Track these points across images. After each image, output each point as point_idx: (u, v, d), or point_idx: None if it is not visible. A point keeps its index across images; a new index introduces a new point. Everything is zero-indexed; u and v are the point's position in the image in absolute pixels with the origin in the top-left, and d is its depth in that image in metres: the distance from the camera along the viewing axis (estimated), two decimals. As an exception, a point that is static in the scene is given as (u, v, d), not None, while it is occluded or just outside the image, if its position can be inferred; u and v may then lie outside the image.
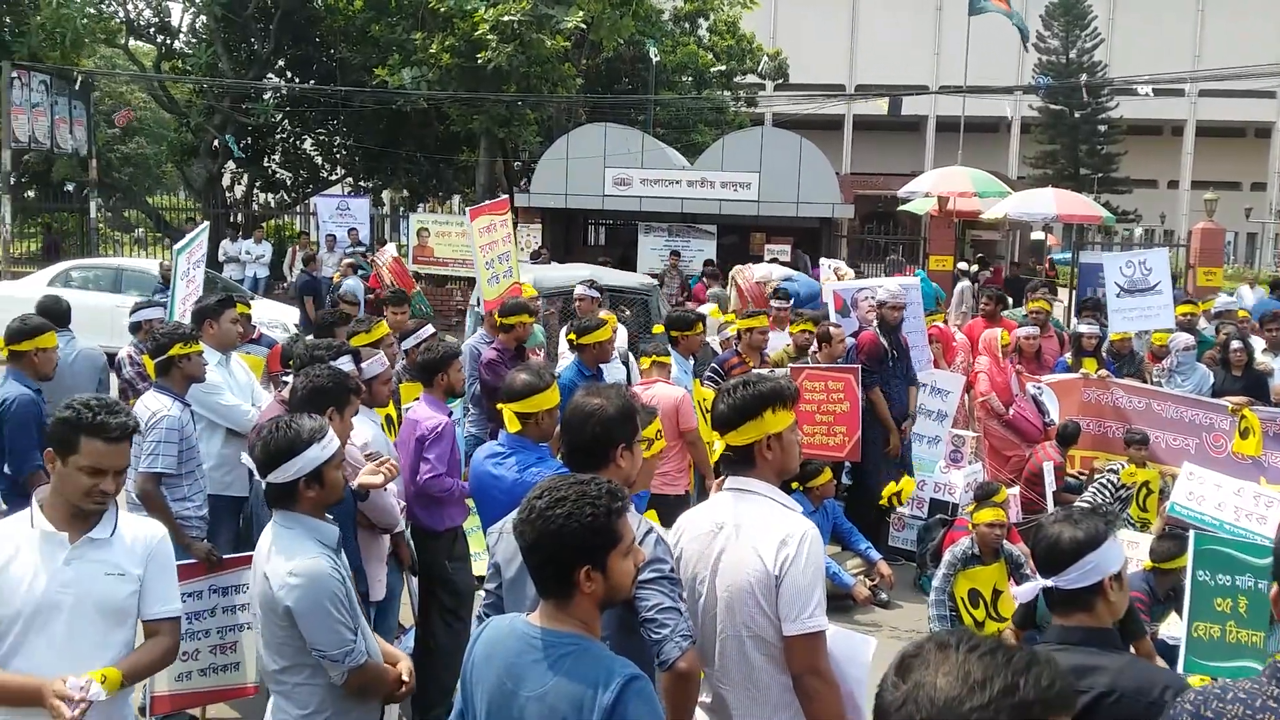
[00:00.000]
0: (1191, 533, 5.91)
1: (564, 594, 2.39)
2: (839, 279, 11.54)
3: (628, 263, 19.35)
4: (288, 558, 3.06)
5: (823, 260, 15.93)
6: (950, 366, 9.90)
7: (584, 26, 20.55)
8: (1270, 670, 2.11)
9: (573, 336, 6.69)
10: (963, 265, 17.45)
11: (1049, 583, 2.74)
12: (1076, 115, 39.25)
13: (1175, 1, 44.43)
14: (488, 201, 9.62)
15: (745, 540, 2.93)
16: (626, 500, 2.49)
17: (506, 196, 11.51)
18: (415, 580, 5.43)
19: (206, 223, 10.36)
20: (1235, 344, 9.40)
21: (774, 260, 17.87)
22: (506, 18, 19.28)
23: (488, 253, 8.31)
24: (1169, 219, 42.60)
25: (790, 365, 8.14)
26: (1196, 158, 46.61)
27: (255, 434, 3.28)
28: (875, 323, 8.23)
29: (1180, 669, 5.13)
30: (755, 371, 7.79)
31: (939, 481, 8.31)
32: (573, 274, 11.20)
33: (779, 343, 8.86)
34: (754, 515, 2.97)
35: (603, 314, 7.92)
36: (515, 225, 18.86)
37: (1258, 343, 10.00)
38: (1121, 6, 44.77)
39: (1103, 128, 39.78)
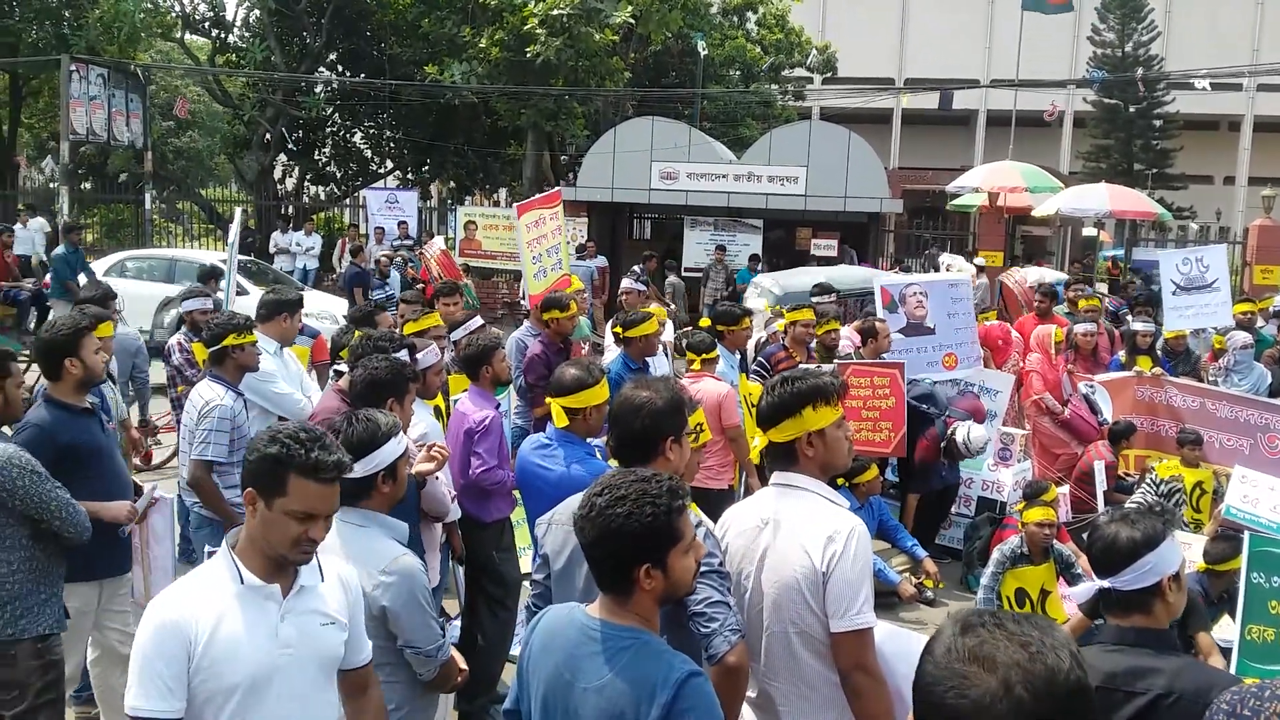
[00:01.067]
0: (1246, 535, 5.82)
1: (624, 590, 2.39)
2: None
3: (673, 257, 19.36)
4: (372, 556, 3.06)
5: (942, 256, 15.88)
6: (1003, 366, 9.81)
7: (632, 20, 20.54)
8: None
9: (619, 330, 6.71)
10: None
11: (1106, 583, 2.71)
12: (1131, 109, 38.54)
13: (1233, -7, 43.56)
14: (538, 195, 9.67)
15: (792, 536, 2.93)
16: (687, 498, 2.49)
17: (558, 189, 11.55)
18: (461, 570, 5.48)
19: (239, 211, 10.62)
20: (1295, 342, 9.23)
21: (817, 254, 17.83)
22: (555, 11, 19.33)
23: (535, 247, 8.36)
24: (1225, 215, 41.77)
25: (837, 361, 8.10)
26: (1254, 153, 45.58)
27: (327, 427, 3.30)
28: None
29: (1233, 670, 5.05)
30: (801, 367, 7.82)
31: (987, 479, 8.23)
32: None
33: None
34: (800, 511, 2.97)
35: (651, 307, 7.93)
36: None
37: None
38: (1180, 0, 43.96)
39: (1158, 122, 39.03)
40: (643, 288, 10.07)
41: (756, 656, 2.98)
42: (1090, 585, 2.78)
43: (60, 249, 13.82)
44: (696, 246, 19.00)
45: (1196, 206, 39.93)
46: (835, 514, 2.96)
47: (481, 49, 20.96)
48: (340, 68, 27.15)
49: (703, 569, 2.87)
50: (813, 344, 8.24)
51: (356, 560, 3.05)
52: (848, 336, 8.83)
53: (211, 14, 25.51)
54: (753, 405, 7.50)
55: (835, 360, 8.16)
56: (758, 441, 3.21)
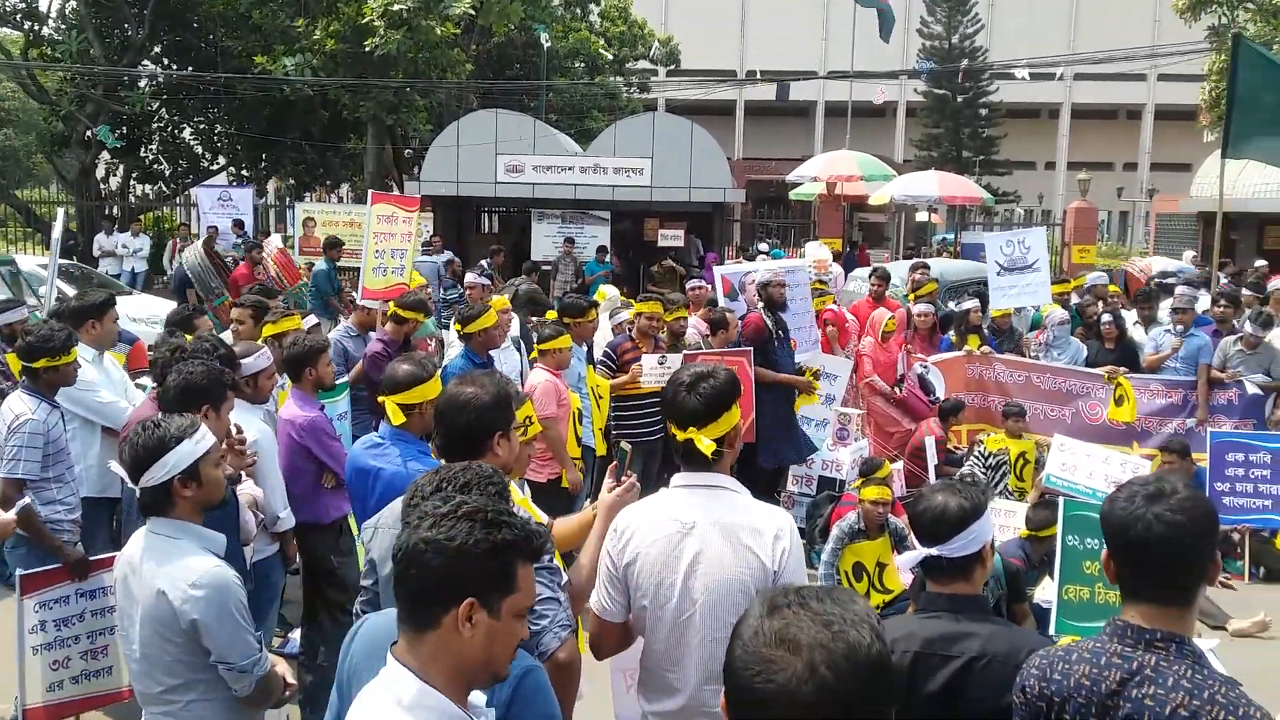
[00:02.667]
0: (1061, 500, 6.16)
1: None
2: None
3: (521, 250, 19.25)
4: (181, 569, 2.93)
5: (809, 245, 16.15)
6: (845, 348, 10.11)
7: (473, 12, 20.29)
8: (1111, 628, 2.20)
9: (459, 325, 6.63)
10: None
11: (935, 551, 2.79)
12: (958, 99, 40.29)
13: (1051, -12, 45.96)
14: (398, 194, 9.50)
15: (729, 538, 2.85)
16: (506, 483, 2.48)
17: (419, 197, 11.31)
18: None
19: (60, 213, 10.09)
20: (1106, 318, 9.80)
21: (664, 244, 18.04)
22: (396, 6, 18.94)
23: (381, 242, 8.16)
24: (1047, 199, 44.12)
25: (685, 351, 8.19)
26: (1072, 139, 48.29)
27: (122, 439, 3.14)
28: (760, 304, 8.32)
29: (1052, 630, 5.34)
30: (698, 364, 7.88)
31: (826, 459, 8.48)
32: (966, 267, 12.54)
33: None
34: (730, 512, 2.90)
35: (495, 299, 7.85)
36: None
37: (1130, 316, 10.45)
38: (1000, -8, 46.13)
39: (983, 111, 40.92)
40: (487, 281, 9.99)
41: (676, 664, 2.91)
42: (916, 553, 2.85)
43: (321, 264, 13.36)
44: (545, 239, 18.94)
45: (1021, 191, 42.03)
46: (770, 511, 2.94)
47: (316, 40, 20.37)
48: (166, 61, 25.92)
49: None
50: (661, 335, 8.32)
51: (164, 573, 2.94)
52: (695, 325, 8.95)
53: (24, 5, 23.96)
54: (600, 397, 7.59)
55: (683, 350, 8.26)
56: (697, 440, 3.01)
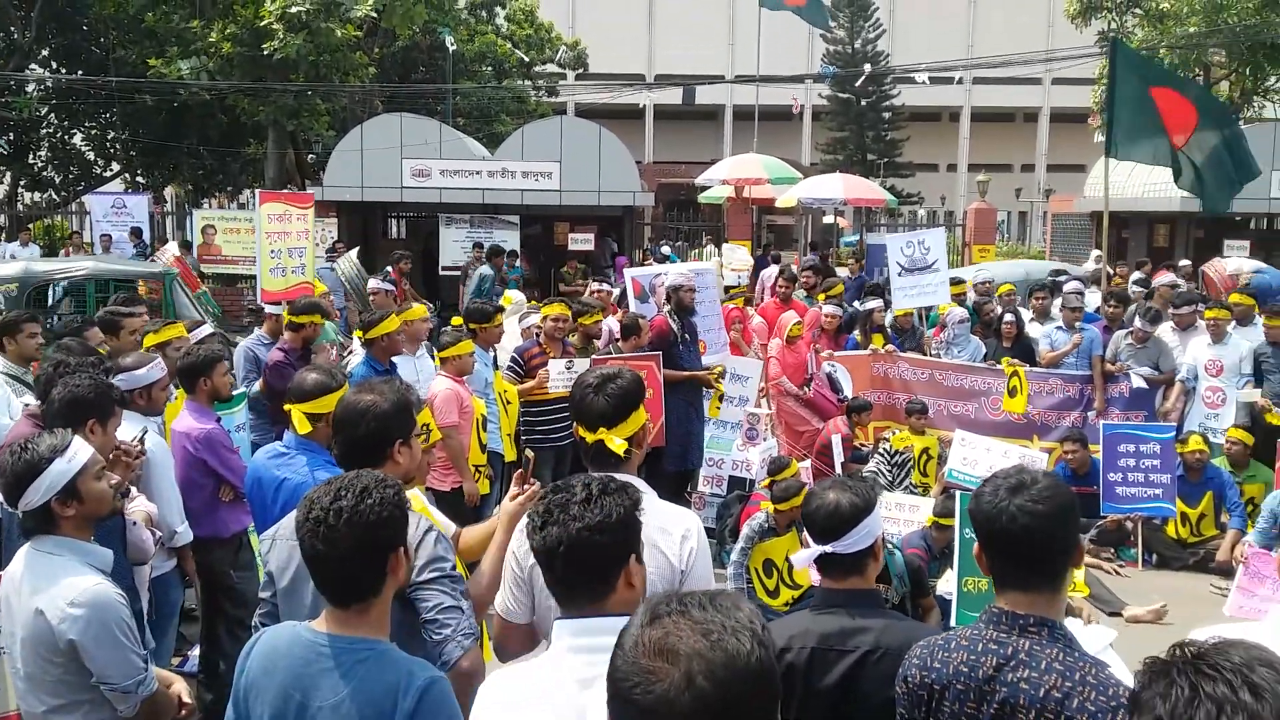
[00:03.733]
0: (958, 493, 6.31)
1: (368, 593, 2.32)
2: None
3: (430, 255, 19.04)
4: (59, 587, 2.84)
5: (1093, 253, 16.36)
6: (751, 348, 10.21)
7: (375, 15, 20.03)
8: (986, 616, 2.27)
9: (359, 332, 6.53)
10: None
11: (829, 548, 2.84)
12: (862, 103, 41.05)
13: (950, -6, 47.12)
14: (288, 192, 9.29)
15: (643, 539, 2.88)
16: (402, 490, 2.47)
17: (311, 192, 11.08)
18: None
19: None
20: (1008, 317, 10.07)
21: (575, 248, 18.02)
22: (295, 8, 18.58)
23: (275, 241, 7.97)
24: (949, 200, 45.19)
25: (593, 356, 8.19)
26: (972, 142, 49.55)
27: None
28: (668, 307, 8.36)
29: (953, 621, 5.47)
30: (553, 361, 7.88)
31: (736, 459, 8.55)
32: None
33: None
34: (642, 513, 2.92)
35: (415, 306, 7.75)
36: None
37: (1026, 313, 10.77)
38: (901, -1, 47.13)
39: (886, 115, 41.76)
40: (390, 287, 9.85)
41: None
42: (811, 551, 2.89)
43: (486, 269, 13.60)
44: (454, 244, 18.74)
45: (924, 192, 43.00)
46: (678, 512, 2.94)
47: (212, 43, 19.88)
48: (55, 65, 25.04)
49: (434, 574, 2.83)
50: (569, 338, 8.30)
51: (43, 592, 2.85)
52: (608, 329, 8.96)
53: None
54: (508, 403, 7.55)
55: (593, 354, 8.26)
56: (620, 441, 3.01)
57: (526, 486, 3.17)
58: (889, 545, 5.87)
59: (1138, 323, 9.51)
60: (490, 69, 30.26)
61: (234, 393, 5.76)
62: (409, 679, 2.25)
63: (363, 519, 2.27)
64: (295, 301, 7.47)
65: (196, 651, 5.20)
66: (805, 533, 2.91)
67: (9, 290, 10.29)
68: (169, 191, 28.83)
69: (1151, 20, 23.64)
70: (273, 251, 7.82)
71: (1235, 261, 13.12)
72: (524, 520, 3.01)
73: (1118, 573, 7.73)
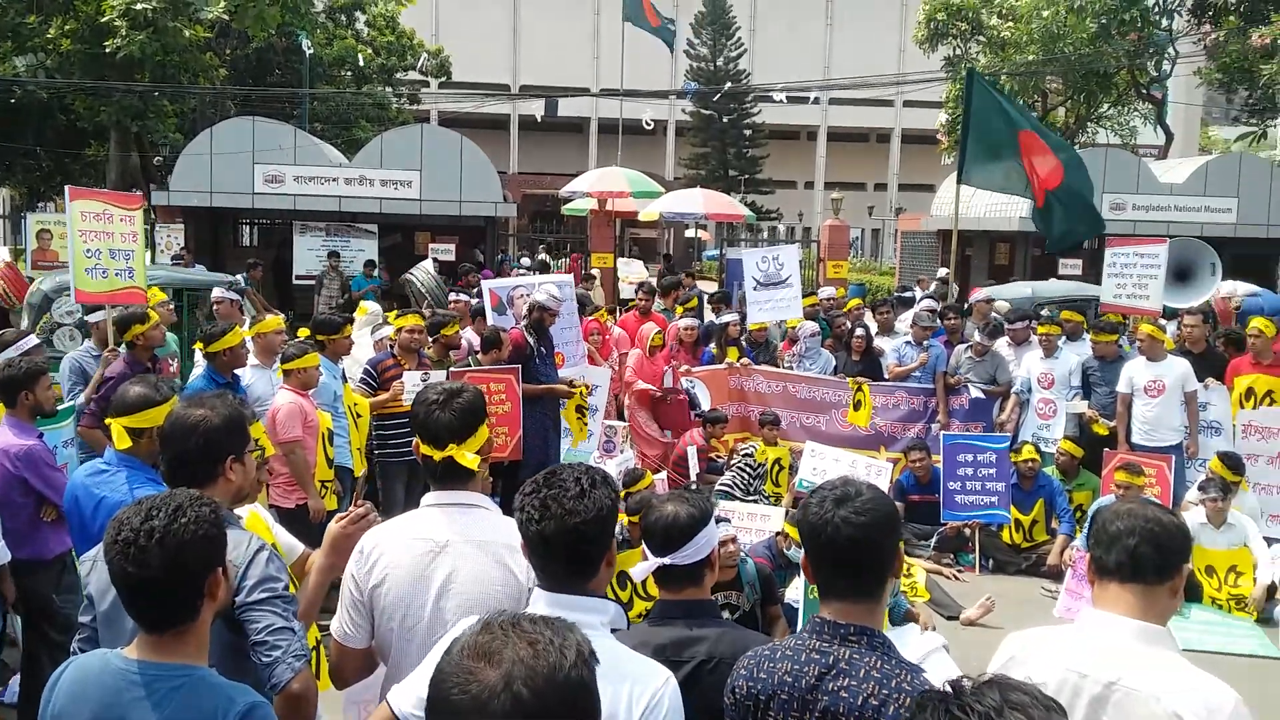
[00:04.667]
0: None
1: (184, 618, 2.23)
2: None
3: (283, 264, 18.52)
4: None
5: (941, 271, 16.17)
6: (607, 360, 10.26)
7: (226, 16, 19.36)
8: (811, 625, 2.33)
9: (200, 344, 6.29)
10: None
11: (667, 560, 2.87)
12: (724, 120, 41.82)
13: (809, 14, 48.40)
14: (109, 191, 8.76)
15: (485, 555, 2.81)
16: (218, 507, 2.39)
17: (140, 193, 10.56)
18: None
19: None
20: (858, 330, 10.39)
21: (435, 258, 17.76)
22: (140, 5, 17.80)
23: (93, 241, 7.41)
24: (806, 216, 46.43)
25: (450, 369, 8.09)
26: (828, 160, 51.07)
27: None
28: (524, 322, 8.33)
29: (799, 629, 5.58)
30: (409, 373, 7.75)
31: (594, 472, 8.56)
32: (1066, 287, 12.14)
33: None
34: (485, 529, 2.87)
35: (270, 317, 7.47)
36: (152, 226, 17.52)
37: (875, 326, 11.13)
38: (762, 17, 48.19)
39: (747, 132, 42.64)
40: (236, 296, 9.53)
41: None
42: (650, 564, 2.91)
43: None
44: (308, 253, 18.28)
45: (783, 208, 44.10)
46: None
47: (51, 40, 18.89)
48: None
49: (265, 594, 2.74)
50: (424, 350, 8.19)
51: None
52: (468, 340, 8.86)
53: None
54: (358, 416, 7.39)
55: (450, 367, 8.16)
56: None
57: (353, 508, 3.11)
58: (740, 553, 5.98)
59: (977, 336, 9.96)
60: (350, 74, 29.65)
61: (60, 407, 5.47)
62: (228, 705, 2.18)
63: (176, 539, 2.18)
64: (123, 313, 7.08)
65: (17, 680, 4.90)
66: (643, 545, 2.94)
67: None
68: (3, 194, 27.23)
69: (994, 48, 24.83)
70: (89, 251, 7.28)
71: (1230, 284, 13.04)
72: (358, 546, 2.97)
73: (957, 578, 8.04)
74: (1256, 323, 8.98)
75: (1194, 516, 7.59)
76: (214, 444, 2.96)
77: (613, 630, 2.43)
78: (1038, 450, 8.65)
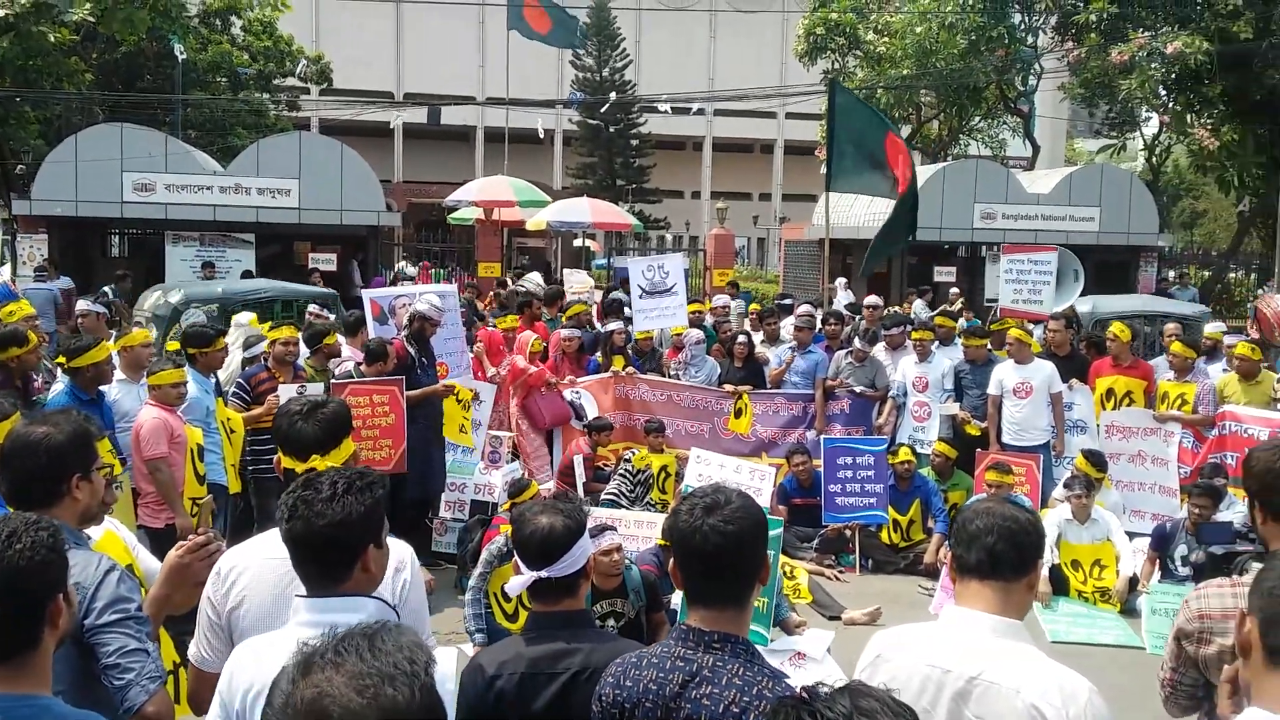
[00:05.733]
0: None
1: (23, 646, 2.11)
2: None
3: (154, 275, 17.87)
4: None
5: (839, 281, 16.14)
6: (497, 369, 10.16)
7: (93, 20, 18.62)
8: (676, 633, 2.34)
9: (62, 359, 6.02)
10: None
11: (544, 574, 2.84)
12: (611, 130, 41.94)
13: (693, 27, 48.90)
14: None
15: None
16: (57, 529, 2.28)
17: (-1, 203, 10.11)
18: None
19: None
20: (740, 338, 10.53)
21: (315, 270, 17.40)
22: (2, 12, 17.00)
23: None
24: (693, 226, 46.88)
25: (333, 381, 7.90)
26: (714, 170, 51.66)
27: None
28: (404, 332, 8.21)
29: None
30: (284, 386, 7.55)
31: (479, 483, 8.48)
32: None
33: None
34: None
35: (135, 331, 7.17)
36: (14, 236, 16.73)
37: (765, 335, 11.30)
38: (647, 29, 48.51)
39: (634, 142, 42.84)
40: (102, 309, 9.16)
41: None
42: (525, 578, 2.87)
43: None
44: (181, 264, 17.67)
45: (670, 217, 44.41)
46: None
47: (-101, 40, 17.90)
48: None
49: (118, 616, 2.64)
50: (300, 361, 8.00)
51: None
52: (350, 355, 8.67)
53: None
54: (231, 432, 7.16)
55: (331, 379, 7.97)
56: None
57: (197, 534, 3.01)
58: (626, 561, 5.98)
59: (857, 342, 10.19)
60: (225, 80, 28.80)
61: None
62: None
63: (10, 566, 2.08)
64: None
65: None
66: (516, 558, 2.90)
67: (210, 310, 10.82)
68: None
69: (870, 62, 25.51)
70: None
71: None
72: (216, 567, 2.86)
73: (838, 578, 8.20)
74: (1114, 327, 9.41)
75: (1060, 513, 7.92)
76: (58, 462, 2.85)
77: (481, 645, 2.41)
78: (913, 452, 8.89)
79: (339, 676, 1.38)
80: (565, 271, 16.07)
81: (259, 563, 2.79)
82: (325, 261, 18.57)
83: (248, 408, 7.38)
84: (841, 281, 17.28)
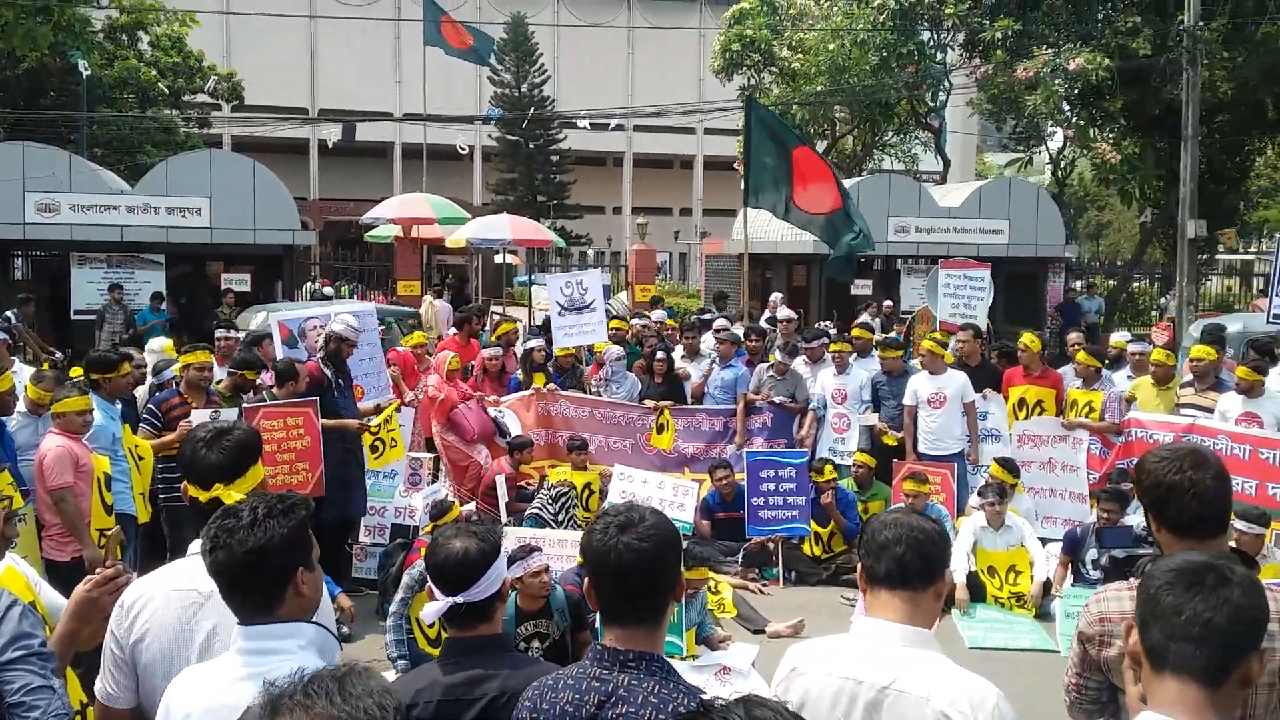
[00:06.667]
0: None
1: None
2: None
3: (59, 299, 17.34)
4: None
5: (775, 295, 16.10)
6: (415, 390, 10.06)
7: (-9, 35, 18.07)
8: (593, 653, 2.34)
9: (-42, 388, 5.80)
10: None
11: (460, 599, 2.81)
12: (531, 146, 41.89)
13: (610, 44, 49.11)
14: None
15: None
16: None
17: None
18: None
19: None
20: (660, 354, 10.57)
21: (228, 290, 17.05)
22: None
23: None
24: (615, 241, 47.00)
25: (245, 405, 7.73)
26: (635, 186, 51.91)
27: None
28: (320, 353, 8.08)
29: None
30: (196, 412, 7.36)
31: (399, 506, 8.37)
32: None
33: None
34: None
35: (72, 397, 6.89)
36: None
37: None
38: (565, 45, 48.59)
39: (554, 158, 42.84)
40: (3, 336, 8.85)
41: None
42: (440, 605, 2.84)
43: None
44: (88, 286, 17.15)
45: (592, 233, 44.46)
46: None
47: None
48: None
49: (21, 653, 2.56)
50: (214, 386, 7.81)
51: None
52: (263, 377, 8.49)
53: None
54: (140, 459, 6.96)
55: (243, 404, 7.80)
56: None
57: (105, 565, 2.93)
58: (550, 581, 5.96)
59: (778, 355, 10.30)
60: (133, 97, 28.13)
61: None
62: None
63: None
64: None
65: None
66: (429, 584, 2.87)
67: None
68: None
69: (785, 78, 25.90)
70: None
71: None
72: (119, 604, 2.78)
73: (762, 591, 8.26)
74: (1025, 338, 9.66)
75: (975, 520, 8.08)
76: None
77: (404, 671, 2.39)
78: (834, 465, 8.97)
79: (308, 719, 1.37)
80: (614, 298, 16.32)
81: (163, 594, 2.73)
82: (239, 282, 18.19)
83: (158, 434, 7.19)
84: (779, 296, 17.47)
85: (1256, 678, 2.03)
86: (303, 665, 2.18)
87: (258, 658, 2.27)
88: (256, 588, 2.32)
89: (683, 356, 11.16)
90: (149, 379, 8.56)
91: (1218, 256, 28.44)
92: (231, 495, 2.79)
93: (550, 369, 10.55)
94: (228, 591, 2.36)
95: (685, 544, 6.27)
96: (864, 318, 15.69)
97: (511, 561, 5.66)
